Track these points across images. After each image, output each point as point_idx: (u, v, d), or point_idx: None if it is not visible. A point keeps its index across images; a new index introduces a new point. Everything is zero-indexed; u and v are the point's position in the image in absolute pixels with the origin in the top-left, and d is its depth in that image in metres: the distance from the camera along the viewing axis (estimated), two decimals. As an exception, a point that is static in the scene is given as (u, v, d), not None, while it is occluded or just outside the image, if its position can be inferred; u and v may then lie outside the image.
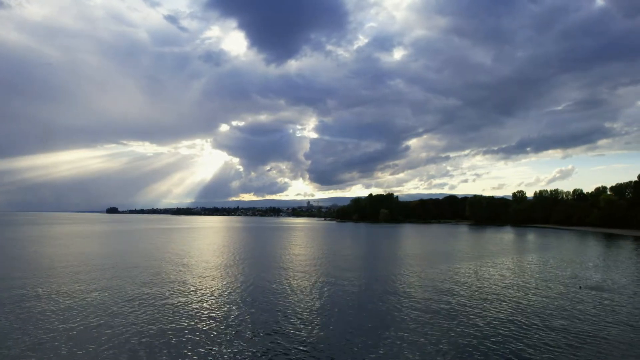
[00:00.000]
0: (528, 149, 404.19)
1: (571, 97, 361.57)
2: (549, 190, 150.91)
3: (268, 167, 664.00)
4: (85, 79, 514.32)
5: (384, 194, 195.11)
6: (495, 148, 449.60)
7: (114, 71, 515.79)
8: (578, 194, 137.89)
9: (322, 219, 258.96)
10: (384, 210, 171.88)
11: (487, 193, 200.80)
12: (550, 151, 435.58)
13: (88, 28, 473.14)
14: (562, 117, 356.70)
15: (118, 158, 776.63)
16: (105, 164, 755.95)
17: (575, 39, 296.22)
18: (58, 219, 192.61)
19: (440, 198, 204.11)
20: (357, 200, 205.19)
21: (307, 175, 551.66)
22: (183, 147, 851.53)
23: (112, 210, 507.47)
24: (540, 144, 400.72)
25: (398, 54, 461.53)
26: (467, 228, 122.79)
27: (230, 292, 23.81)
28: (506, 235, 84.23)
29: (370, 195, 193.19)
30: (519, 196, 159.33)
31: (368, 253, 48.71)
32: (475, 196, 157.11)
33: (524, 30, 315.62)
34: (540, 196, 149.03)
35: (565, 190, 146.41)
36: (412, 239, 73.40)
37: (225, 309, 19.89)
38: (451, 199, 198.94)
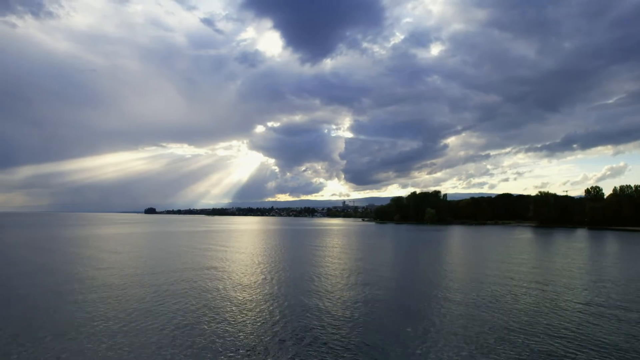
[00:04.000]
0: (574, 145, 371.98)
1: (624, 89, 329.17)
2: (633, 185, 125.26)
3: (303, 168, 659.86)
4: (126, 84, 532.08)
5: (429, 191, 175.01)
6: (539, 145, 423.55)
7: (153, 75, 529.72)
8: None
9: (360, 219, 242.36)
10: (430, 210, 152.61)
11: (529, 192, 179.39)
12: (599, 147, 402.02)
13: (128, 34, 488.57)
14: (613, 110, 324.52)
15: (158, 160, 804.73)
16: (146, 165, 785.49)
17: (629, 26, 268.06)
18: (91, 220, 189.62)
19: (478, 197, 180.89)
20: (397, 199, 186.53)
21: (343, 175, 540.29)
22: (220, 148, 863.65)
23: (150, 210, 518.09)
24: (588, 140, 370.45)
25: (435, 50, 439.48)
26: (534, 231, 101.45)
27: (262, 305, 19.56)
28: (618, 245, 64.14)
29: (414, 193, 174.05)
30: (594, 193, 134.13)
31: (426, 271, 32.23)
32: (540, 193, 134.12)
33: (572, 20, 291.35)
34: (622, 194, 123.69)
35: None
36: (473, 247, 55.58)
37: (259, 318, 16.99)
38: (506, 197, 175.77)
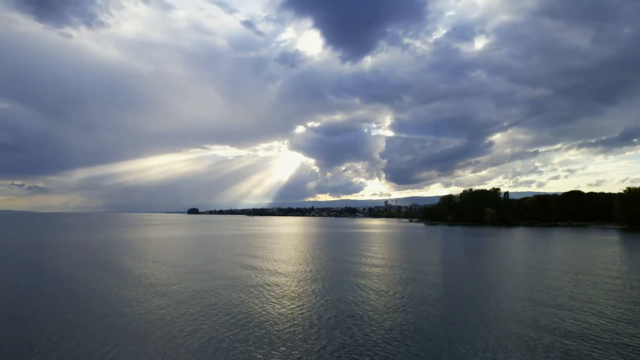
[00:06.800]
0: (635, 140, 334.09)
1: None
2: None
3: (343, 167, 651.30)
4: (171, 88, 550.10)
5: (486, 189, 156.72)
6: (593, 140, 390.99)
7: (196, 78, 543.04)
8: None
9: (405, 220, 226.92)
10: (489, 210, 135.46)
11: (582, 190, 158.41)
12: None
13: (173, 40, 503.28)
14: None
15: (201, 161, 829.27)
16: (190, 167, 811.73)
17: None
18: (137, 221, 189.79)
19: (543, 195, 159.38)
20: (449, 198, 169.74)
21: (383, 175, 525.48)
22: (261, 149, 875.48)
23: (193, 211, 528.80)
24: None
25: (479, 43, 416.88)
26: (628, 236, 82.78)
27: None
28: None
29: (470, 190, 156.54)
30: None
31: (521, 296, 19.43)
32: (629, 189, 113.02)
33: (632, 3, 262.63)
34: None
35: None
36: (569, 259, 41.01)
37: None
38: (576, 195, 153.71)
